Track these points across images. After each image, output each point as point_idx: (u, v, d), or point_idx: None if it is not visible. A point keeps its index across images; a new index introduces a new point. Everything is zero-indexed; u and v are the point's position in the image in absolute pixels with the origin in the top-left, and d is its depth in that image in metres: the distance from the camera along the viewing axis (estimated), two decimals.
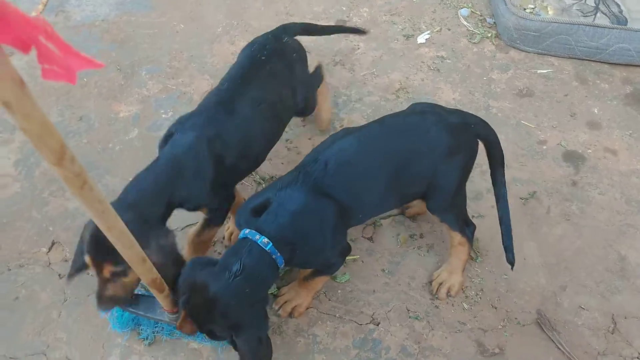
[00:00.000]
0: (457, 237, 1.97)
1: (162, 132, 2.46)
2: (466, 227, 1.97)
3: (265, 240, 1.61)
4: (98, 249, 1.58)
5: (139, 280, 1.68)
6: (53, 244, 2.15)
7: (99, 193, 1.12)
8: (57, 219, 2.21)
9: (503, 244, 1.91)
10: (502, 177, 1.89)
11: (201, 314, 1.57)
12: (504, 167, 1.89)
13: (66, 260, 2.11)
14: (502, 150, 1.89)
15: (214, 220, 1.95)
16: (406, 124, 1.81)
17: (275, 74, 1.99)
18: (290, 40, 2.14)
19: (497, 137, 1.89)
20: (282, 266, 1.65)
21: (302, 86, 2.12)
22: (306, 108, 2.23)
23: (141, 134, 2.46)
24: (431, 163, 1.77)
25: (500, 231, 1.91)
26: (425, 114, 1.82)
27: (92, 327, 1.95)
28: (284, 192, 1.68)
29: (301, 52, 2.17)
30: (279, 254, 1.62)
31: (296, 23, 2.27)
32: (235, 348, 1.66)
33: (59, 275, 2.07)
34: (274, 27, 2.19)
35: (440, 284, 2.04)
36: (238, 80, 1.93)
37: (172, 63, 2.75)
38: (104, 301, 1.67)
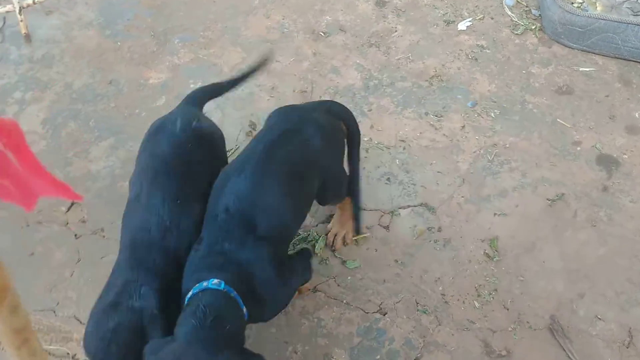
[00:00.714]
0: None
1: None
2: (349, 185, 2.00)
3: (216, 280, 1.45)
4: None
5: None
6: (72, 204, 2.18)
7: None
8: (79, 180, 2.24)
9: (353, 213, 2.03)
10: (357, 152, 1.98)
11: None
12: (359, 143, 1.98)
13: (84, 222, 2.14)
14: (357, 125, 1.98)
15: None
16: (290, 142, 1.70)
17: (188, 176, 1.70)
18: (202, 123, 1.82)
19: (351, 115, 1.98)
20: (243, 309, 1.47)
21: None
22: None
23: (168, 102, 2.46)
24: (321, 167, 1.76)
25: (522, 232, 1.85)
26: (302, 124, 1.75)
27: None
28: (208, 249, 1.54)
29: (216, 140, 1.86)
30: (234, 292, 1.46)
31: (202, 88, 2.03)
32: None
33: (75, 235, 2.11)
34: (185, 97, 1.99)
35: (335, 235, 2.08)
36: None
37: (206, 33, 2.73)
38: None
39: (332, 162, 1.84)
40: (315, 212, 2.16)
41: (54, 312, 1.93)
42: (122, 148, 2.34)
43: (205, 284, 1.44)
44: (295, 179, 1.68)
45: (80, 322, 1.91)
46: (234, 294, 1.45)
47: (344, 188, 1.95)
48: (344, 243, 2.10)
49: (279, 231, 1.63)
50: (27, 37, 2.64)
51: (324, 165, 1.78)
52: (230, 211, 1.57)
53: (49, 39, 2.69)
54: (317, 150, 1.74)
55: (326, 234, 2.11)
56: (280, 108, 1.87)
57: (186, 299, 1.46)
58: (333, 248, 2.08)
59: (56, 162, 2.29)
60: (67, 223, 2.14)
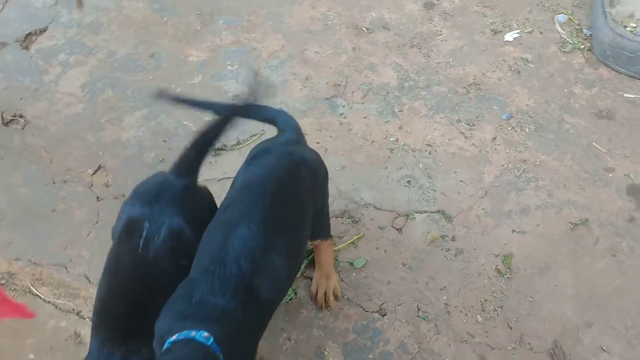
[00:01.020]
0: (326, 241, 1.89)
1: (224, 83, 2.55)
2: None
3: (206, 334, 1.31)
4: None
5: None
6: (99, 167, 2.26)
7: None
8: (109, 146, 2.32)
9: None
10: None
11: None
12: None
13: (107, 186, 2.22)
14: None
15: None
16: (290, 189, 1.62)
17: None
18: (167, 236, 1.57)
19: None
20: None
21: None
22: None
23: (204, 81, 2.52)
24: (312, 200, 1.70)
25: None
26: (292, 159, 1.67)
27: None
28: (203, 298, 1.41)
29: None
30: (220, 353, 1.32)
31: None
32: None
33: (97, 197, 2.18)
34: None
35: (325, 293, 1.94)
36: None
37: (250, 17, 2.77)
38: None
39: (321, 199, 1.80)
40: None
41: (66, 268, 2.00)
42: (154, 120, 2.40)
43: (193, 333, 1.31)
44: (298, 231, 1.61)
45: (89, 282, 1.98)
46: (219, 354, 1.31)
47: (328, 224, 1.90)
48: (336, 298, 1.96)
49: (279, 296, 1.57)
50: (79, 3, 2.74)
51: (316, 203, 1.74)
52: (241, 267, 1.43)
53: (99, 6, 2.78)
54: (312, 191, 1.69)
55: (312, 294, 1.98)
56: (266, 147, 1.72)
57: (167, 342, 1.33)
58: (329, 307, 1.95)
59: (90, 126, 2.37)
60: (92, 185, 2.21)
